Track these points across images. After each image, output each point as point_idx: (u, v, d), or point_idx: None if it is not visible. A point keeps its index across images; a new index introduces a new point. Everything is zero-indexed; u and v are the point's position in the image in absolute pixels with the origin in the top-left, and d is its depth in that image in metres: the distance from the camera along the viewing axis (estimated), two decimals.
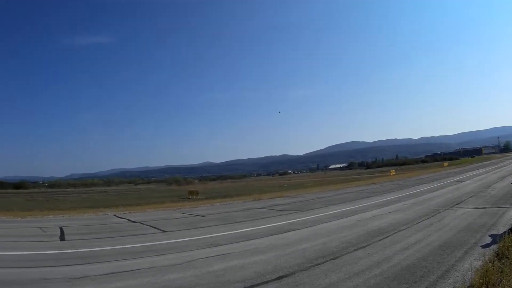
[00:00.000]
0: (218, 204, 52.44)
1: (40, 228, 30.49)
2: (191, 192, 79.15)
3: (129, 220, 35.92)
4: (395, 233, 21.24)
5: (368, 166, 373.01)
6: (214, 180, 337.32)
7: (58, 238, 25.08)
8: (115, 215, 41.27)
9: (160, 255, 18.12)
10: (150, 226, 30.32)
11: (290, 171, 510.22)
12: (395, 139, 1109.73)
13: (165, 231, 26.91)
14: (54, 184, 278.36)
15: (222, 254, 17.48)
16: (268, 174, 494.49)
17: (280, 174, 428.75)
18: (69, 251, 20.06)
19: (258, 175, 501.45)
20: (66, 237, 25.64)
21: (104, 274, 14.42)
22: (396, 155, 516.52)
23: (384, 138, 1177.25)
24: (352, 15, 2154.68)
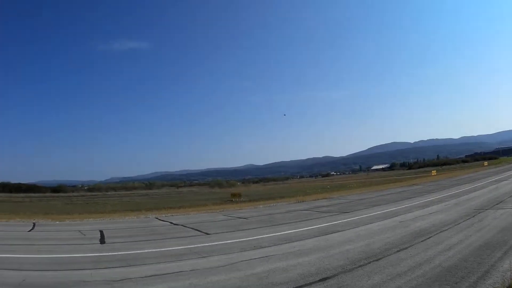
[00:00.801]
0: (261, 206, 52.53)
1: (79, 231, 30.76)
2: (234, 195, 79.43)
3: (171, 222, 35.95)
4: (437, 234, 21.22)
5: (410, 166, 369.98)
6: (257, 182, 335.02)
7: (98, 241, 25.24)
8: (157, 218, 41.48)
9: (203, 257, 18.15)
10: (193, 228, 30.35)
11: (333, 173, 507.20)
12: (436, 139, 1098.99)
13: (207, 234, 26.92)
14: (93, 187, 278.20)
15: (266, 256, 17.53)
16: (310, 176, 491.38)
17: (323, 176, 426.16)
18: (110, 253, 20.20)
19: (301, 177, 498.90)
20: (106, 240, 25.83)
21: (145, 277, 14.54)
22: (437, 155, 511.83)
23: (425, 138, 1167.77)
24: (386, 14, 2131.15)
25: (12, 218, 42.24)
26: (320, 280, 12.89)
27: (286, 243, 21.15)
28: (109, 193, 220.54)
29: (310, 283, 12.61)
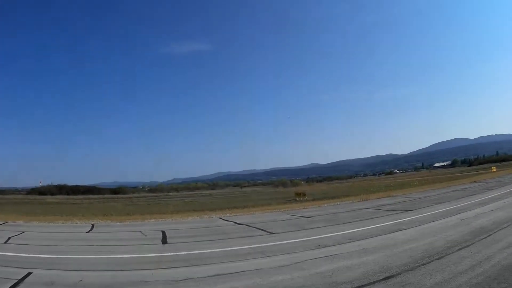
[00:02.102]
0: (325, 205, 52.30)
1: (140, 231, 31.15)
2: (298, 194, 78.61)
3: (235, 222, 35.95)
4: (497, 231, 21.23)
5: (470, 163, 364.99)
6: (320, 181, 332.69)
7: (160, 241, 25.61)
8: (220, 218, 41.37)
9: (267, 256, 18.35)
10: (257, 228, 30.40)
11: (396, 170, 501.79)
12: (495, 134, 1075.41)
13: (272, 233, 27.04)
14: (155, 188, 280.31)
15: (330, 255, 17.64)
16: (374, 174, 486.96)
17: (386, 174, 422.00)
18: (172, 254, 20.56)
19: (365, 175, 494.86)
20: (168, 240, 26.20)
21: (208, 276, 14.73)
22: (497, 152, 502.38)
23: (484, 134, 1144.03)
24: (444, 13, 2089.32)
25: (70, 220, 42.66)
26: (383, 279, 13.08)
27: (350, 242, 21.31)
28: (171, 194, 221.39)
29: (374, 282, 12.80)
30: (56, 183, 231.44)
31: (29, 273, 15.76)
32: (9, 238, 27.10)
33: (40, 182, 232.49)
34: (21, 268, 16.64)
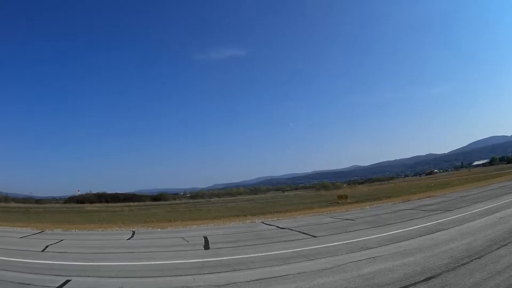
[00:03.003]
0: (367, 207, 52.53)
1: (182, 238, 31.26)
2: (340, 197, 78.40)
3: (278, 226, 36.02)
4: None
5: (508, 160, 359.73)
6: (362, 183, 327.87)
7: (202, 247, 25.68)
8: (263, 223, 41.40)
9: (310, 260, 18.44)
10: (300, 232, 30.39)
11: (436, 170, 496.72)
12: None
13: (314, 236, 27.12)
14: (196, 194, 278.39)
15: (372, 257, 17.80)
16: (415, 175, 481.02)
17: (427, 174, 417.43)
18: (214, 259, 20.72)
19: (405, 176, 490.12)
20: (210, 245, 26.26)
21: (250, 281, 14.87)
22: None
23: None
24: (483, 11, 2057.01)
25: (109, 227, 43.59)
26: (424, 280, 13.19)
27: (392, 243, 21.43)
28: (212, 199, 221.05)
29: (415, 283, 12.92)
30: (95, 191, 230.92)
31: (68, 281, 16.07)
32: (46, 247, 27.51)
33: (79, 191, 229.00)
34: (59, 276, 16.97)
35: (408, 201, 55.86)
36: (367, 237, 24.17)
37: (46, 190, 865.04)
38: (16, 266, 19.62)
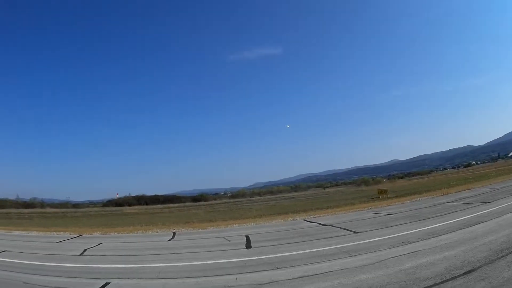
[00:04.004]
0: (408, 201, 52.26)
1: (223, 237, 31.42)
2: (380, 191, 78.44)
3: (319, 223, 35.98)
4: None
5: None
6: (401, 177, 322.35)
7: (244, 246, 25.77)
8: (305, 220, 41.35)
9: (352, 256, 18.54)
10: (341, 228, 30.40)
11: (473, 162, 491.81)
12: None
13: (356, 232, 27.08)
14: (237, 194, 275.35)
15: (413, 252, 17.84)
16: (453, 167, 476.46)
17: (465, 166, 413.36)
18: (256, 258, 20.87)
19: (444, 169, 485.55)
20: (252, 244, 26.39)
21: (293, 279, 14.96)
22: None
23: None
24: None
25: (149, 229, 43.60)
26: (464, 273, 13.24)
27: (432, 237, 21.39)
28: (253, 198, 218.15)
29: (455, 277, 12.96)
30: (134, 194, 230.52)
31: (107, 283, 16.36)
32: (84, 250, 27.86)
33: (117, 194, 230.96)
34: (98, 279, 17.27)
35: (447, 194, 55.46)
36: (408, 232, 24.17)
37: (84, 195, 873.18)
38: (53, 271, 19.98)
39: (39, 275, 18.71)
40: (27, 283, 16.90)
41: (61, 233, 43.39)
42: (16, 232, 45.93)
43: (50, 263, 22.53)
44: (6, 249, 28.93)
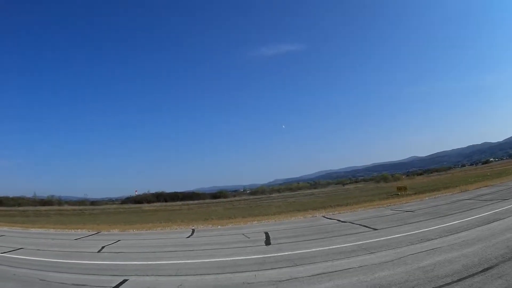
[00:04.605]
0: (426, 198, 51.87)
1: (243, 234, 31.44)
2: (399, 188, 77.62)
3: (339, 220, 35.93)
4: None
5: None
6: (420, 174, 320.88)
7: (263, 243, 25.84)
8: (324, 217, 41.11)
9: (371, 253, 18.58)
10: (360, 225, 30.40)
11: (491, 159, 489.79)
12: None
13: (375, 229, 27.13)
14: (256, 190, 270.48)
15: (432, 249, 17.87)
16: (471, 164, 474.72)
17: (483, 163, 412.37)
18: (275, 254, 20.81)
19: (462, 165, 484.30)
20: (271, 241, 26.42)
21: (312, 275, 15.01)
22: None
23: None
24: None
25: (168, 226, 43.65)
26: (482, 271, 13.26)
27: (451, 234, 21.43)
28: (273, 195, 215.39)
29: (473, 274, 12.96)
30: (152, 191, 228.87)
31: (125, 280, 16.48)
32: (102, 247, 28.19)
33: (136, 191, 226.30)
34: (116, 276, 17.43)
35: (466, 191, 55.23)
36: (427, 229, 24.16)
37: (102, 192, 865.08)
38: (70, 268, 20.24)
39: (56, 272, 19.03)
40: (44, 280, 17.20)
41: (79, 230, 43.91)
42: (33, 230, 46.44)
43: (67, 260, 22.78)
44: (22, 247, 29.38)
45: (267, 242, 26.06)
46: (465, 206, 35.47)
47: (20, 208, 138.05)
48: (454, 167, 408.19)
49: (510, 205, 31.46)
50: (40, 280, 17.22)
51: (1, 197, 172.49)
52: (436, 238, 20.55)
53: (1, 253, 26.29)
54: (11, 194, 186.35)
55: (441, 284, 12.41)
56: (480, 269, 13.46)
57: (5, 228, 48.56)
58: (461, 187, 60.89)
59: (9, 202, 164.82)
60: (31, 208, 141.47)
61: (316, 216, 42.25)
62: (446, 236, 20.99)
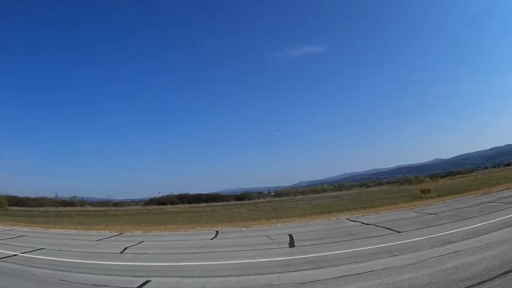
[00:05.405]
0: (449, 201, 51.42)
1: (267, 236, 31.38)
2: (423, 191, 76.28)
3: (362, 222, 35.67)
4: None
5: None
6: (444, 176, 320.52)
7: (287, 245, 25.75)
8: (348, 219, 41.03)
9: (394, 255, 18.56)
10: (384, 227, 30.31)
11: None
12: None
13: (399, 232, 27.03)
14: (281, 192, 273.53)
15: (454, 252, 17.83)
16: (494, 166, 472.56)
17: (505, 165, 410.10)
18: (299, 256, 20.84)
19: (485, 167, 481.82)
20: (295, 243, 26.28)
21: (335, 278, 15.09)
22: None
23: None
24: None
25: (192, 228, 43.65)
26: (502, 274, 13.24)
27: (473, 237, 21.36)
28: (297, 197, 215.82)
29: (494, 277, 12.94)
30: (176, 193, 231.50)
31: (147, 281, 16.62)
32: (125, 248, 28.33)
33: (160, 193, 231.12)
34: (138, 277, 17.60)
35: (488, 193, 54.64)
36: (450, 231, 24.11)
37: (125, 193, 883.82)
38: (91, 268, 20.46)
39: (77, 272, 19.28)
40: (64, 281, 17.40)
41: (101, 231, 44.36)
42: (54, 230, 47.07)
43: (89, 260, 23.07)
44: (43, 247, 29.60)
45: (291, 244, 26.04)
46: (487, 208, 35.25)
47: (42, 209, 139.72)
48: (477, 169, 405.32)
49: None
50: (61, 280, 17.47)
51: (22, 198, 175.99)
52: (458, 241, 20.51)
53: (22, 253, 26.60)
54: (32, 195, 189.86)
55: (463, 286, 12.44)
56: (501, 272, 13.42)
57: (26, 229, 49.16)
58: (483, 190, 60.25)
59: (30, 203, 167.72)
60: (52, 209, 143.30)
61: (340, 219, 42.16)
62: (468, 238, 20.93)
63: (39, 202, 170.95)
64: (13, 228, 50.16)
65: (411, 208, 45.84)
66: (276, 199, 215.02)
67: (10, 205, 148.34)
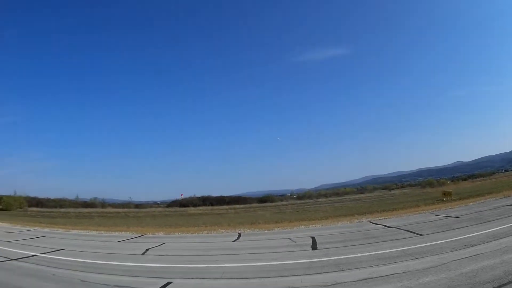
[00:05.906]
0: (471, 203, 50.20)
1: (289, 238, 31.19)
2: (444, 194, 76.60)
3: (385, 225, 35.38)
4: None
5: None
6: (465, 179, 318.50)
7: (309, 248, 25.58)
8: (370, 222, 40.55)
9: (416, 258, 18.52)
10: (406, 230, 30.06)
11: None
12: None
13: (420, 235, 26.74)
14: (303, 195, 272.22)
15: (475, 255, 17.78)
16: None
17: None
18: (321, 259, 20.84)
19: (506, 170, 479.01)
20: (318, 246, 26.16)
21: (357, 280, 15.15)
22: None
23: None
24: None
25: (214, 230, 43.41)
26: None
27: (494, 240, 21.30)
28: (320, 200, 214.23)
29: None
30: (198, 195, 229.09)
31: (169, 283, 16.70)
32: (147, 250, 28.35)
33: (182, 195, 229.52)
34: (160, 278, 17.64)
35: (509, 196, 54.40)
36: (470, 235, 23.99)
37: (147, 195, 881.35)
38: (112, 269, 20.52)
39: (98, 273, 19.37)
40: (84, 281, 17.55)
41: (123, 232, 44.38)
42: (74, 231, 47.35)
43: (110, 261, 23.16)
44: (63, 248, 29.83)
45: (314, 246, 25.95)
46: (508, 211, 35.09)
47: (62, 210, 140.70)
48: (498, 172, 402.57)
49: None
50: (81, 281, 17.64)
51: (42, 199, 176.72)
52: (479, 244, 20.44)
53: (41, 253, 26.69)
54: (52, 196, 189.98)
55: None
56: None
57: (46, 229, 49.60)
58: (504, 193, 60.01)
59: (50, 204, 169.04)
60: (72, 210, 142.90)
61: (362, 221, 41.97)
62: (489, 242, 20.87)
63: (59, 203, 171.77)
64: (33, 228, 50.73)
65: (433, 211, 45.59)
66: (298, 201, 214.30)
67: (30, 206, 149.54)
